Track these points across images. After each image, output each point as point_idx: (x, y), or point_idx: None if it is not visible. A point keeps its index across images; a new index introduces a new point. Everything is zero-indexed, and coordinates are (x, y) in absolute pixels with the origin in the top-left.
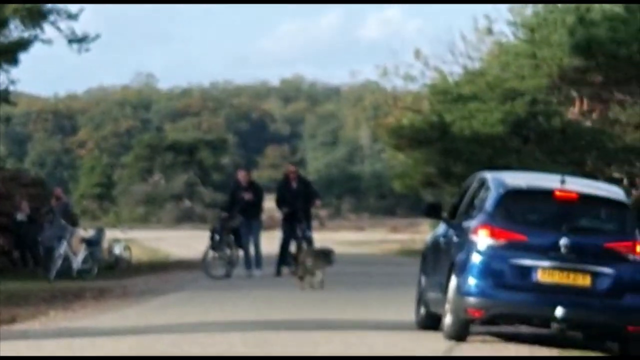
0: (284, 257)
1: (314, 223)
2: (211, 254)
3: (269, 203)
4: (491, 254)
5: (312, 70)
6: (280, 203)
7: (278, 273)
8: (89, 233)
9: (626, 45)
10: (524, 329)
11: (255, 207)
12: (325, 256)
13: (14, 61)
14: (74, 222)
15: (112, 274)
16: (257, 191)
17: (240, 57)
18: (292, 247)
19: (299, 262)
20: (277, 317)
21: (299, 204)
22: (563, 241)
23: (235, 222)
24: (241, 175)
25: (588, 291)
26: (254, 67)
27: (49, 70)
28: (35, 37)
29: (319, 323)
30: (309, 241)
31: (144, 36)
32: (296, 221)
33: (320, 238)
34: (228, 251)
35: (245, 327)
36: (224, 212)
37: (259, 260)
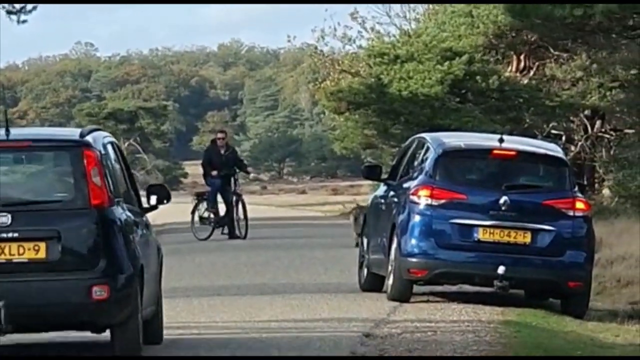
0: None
1: (257, 187)
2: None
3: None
4: (432, 214)
5: (250, 35)
6: (207, 168)
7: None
8: None
9: (561, 6)
10: (467, 288)
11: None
12: None
13: None
14: None
15: None
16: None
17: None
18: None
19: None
20: (220, 283)
21: (227, 170)
22: (503, 199)
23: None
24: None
25: (528, 249)
26: (193, 34)
27: None
28: None
29: (262, 288)
30: (240, 199)
31: (84, 6)
32: (226, 185)
33: (262, 201)
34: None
35: (190, 294)
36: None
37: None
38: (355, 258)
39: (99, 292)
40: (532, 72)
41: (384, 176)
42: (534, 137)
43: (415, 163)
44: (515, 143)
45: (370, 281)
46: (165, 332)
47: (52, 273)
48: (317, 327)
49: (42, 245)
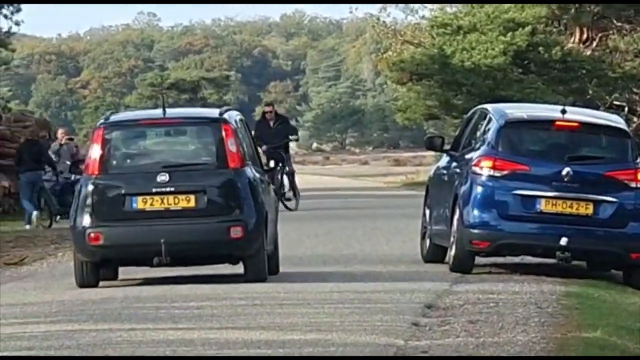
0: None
1: (319, 158)
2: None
3: None
4: (494, 185)
5: (313, 5)
6: (257, 142)
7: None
8: None
9: None
10: (529, 259)
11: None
12: None
13: (16, 2)
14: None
15: None
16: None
17: None
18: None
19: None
20: (282, 253)
21: (277, 141)
22: (565, 171)
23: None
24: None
25: (591, 220)
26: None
27: (51, 11)
28: None
29: (324, 258)
30: (291, 175)
31: None
32: (276, 157)
33: (325, 172)
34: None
35: None
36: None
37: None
38: (417, 229)
39: (235, 232)
40: (594, 44)
41: (447, 147)
42: (597, 108)
43: (478, 134)
44: (577, 114)
45: (432, 252)
46: (224, 302)
47: (200, 218)
48: (379, 298)
49: (192, 197)
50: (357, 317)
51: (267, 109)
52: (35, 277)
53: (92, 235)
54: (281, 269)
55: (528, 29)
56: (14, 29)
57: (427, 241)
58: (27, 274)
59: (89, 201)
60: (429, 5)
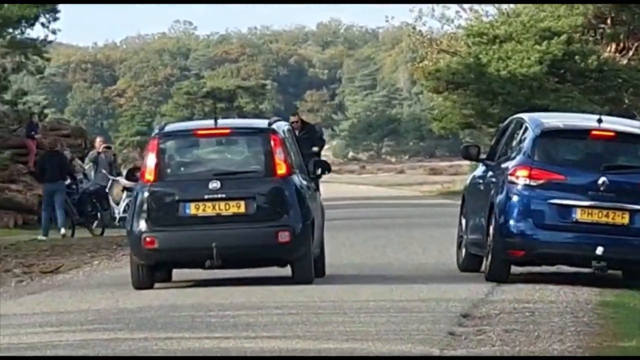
0: None
1: (355, 167)
2: None
3: None
4: (530, 195)
5: (349, 14)
6: None
7: None
8: (131, 181)
9: None
10: (564, 268)
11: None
12: None
13: (53, 12)
14: (119, 173)
15: None
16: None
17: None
18: None
19: None
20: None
21: (303, 150)
22: (601, 180)
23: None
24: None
25: (627, 229)
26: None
27: (88, 19)
28: None
29: (360, 267)
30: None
31: None
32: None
33: (361, 181)
34: None
35: (288, 273)
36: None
37: None
38: (453, 238)
39: (283, 236)
40: (631, 53)
41: (483, 156)
42: (633, 117)
43: (514, 143)
44: (614, 123)
45: (468, 261)
46: (259, 312)
47: (249, 223)
48: (415, 307)
49: (242, 203)
50: (393, 326)
51: (293, 118)
52: (71, 286)
53: (147, 239)
54: (316, 278)
55: (564, 37)
56: (51, 37)
57: (463, 250)
58: (62, 283)
59: (144, 207)
60: (465, 15)
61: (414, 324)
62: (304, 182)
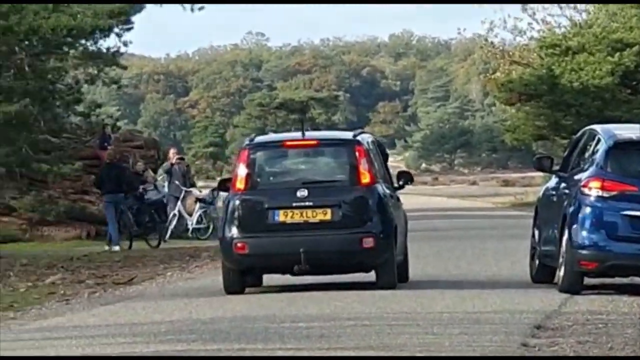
0: None
1: (428, 178)
2: None
3: None
4: (603, 206)
5: (421, 25)
6: None
7: None
8: (204, 193)
9: None
10: (638, 280)
11: None
12: None
13: (127, 23)
14: (192, 184)
15: None
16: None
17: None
18: None
19: None
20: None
21: None
22: None
23: None
24: None
25: None
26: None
27: (160, 31)
28: None
29: (433, 279)
30: None
31: None
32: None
33: (433, 192)
34: None
35: (362, 287)
36: None
37: None
38: (526, 249)
39: (367, 242)
40: None
41: (555, 168)
42: None
43: (586, 155)
44: None
45: (541, 273)
46: (332, 323)
47: (335, 229)
48: (488, 319)
49: (329, 210)
50: (466, 338)
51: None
52: (144, 297)
53: (238, 245)
54: (385, 292)
55: (636, 48)
56: (123, 48)
57: (536, 262)
58: (136, 294)
59: (236, 214)
60: (537, 26)
61: (487, 336)
62: (387, 191)
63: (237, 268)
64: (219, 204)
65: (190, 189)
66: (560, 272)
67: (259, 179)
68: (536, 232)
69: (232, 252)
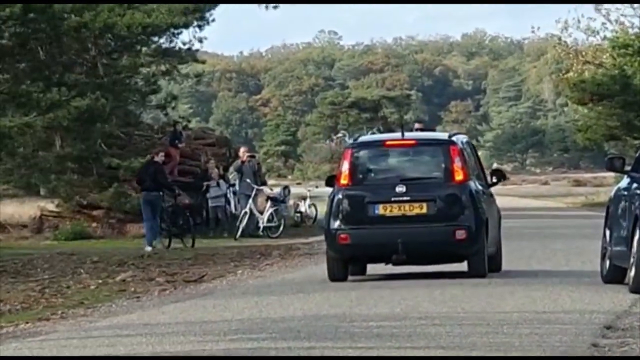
0: None
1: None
2: None
3: None
4: None
5: (494, 25)
6: None
7: None
8: (275, 191)
9: None
10: None
11: None
12: None
13: (202, 19)
14: (263, 182)
15: (298, 232)
16: None
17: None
18: None
19: None
20: (461, 274)
21: None
22: None
23: None
24: None
25: None
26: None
27: (233, 29)
28: None
29: (504, 278)
30: None
31: None
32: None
33: (505, 192)
34: None
35: (431, 284)
36: None
37: None
38: (597, 249)
39: (460, 234)
40: None
41: (627, 168)
42: None
43: None
44: None
45: (612, 273)
46: (403, 322)
47: (431, 222)
48: (558, 319)
49: (425, 204)
50: (536, 338)
51: (417, 125)
52: (215, 295)
53: (342, 235)
54: (455, 291)
55: None
56: (196, 45)
57: (607, 262)
58: (206, 292)
59: (340, 207)
60: (610, 26)
61: (557, 336)
62: (480, 188)
63: (340, 257)
64: (290, 202)
65: (262, 187)
66: (631, 273)
67: (361, 175)
68: (607, 233)
69: (335, 242)
